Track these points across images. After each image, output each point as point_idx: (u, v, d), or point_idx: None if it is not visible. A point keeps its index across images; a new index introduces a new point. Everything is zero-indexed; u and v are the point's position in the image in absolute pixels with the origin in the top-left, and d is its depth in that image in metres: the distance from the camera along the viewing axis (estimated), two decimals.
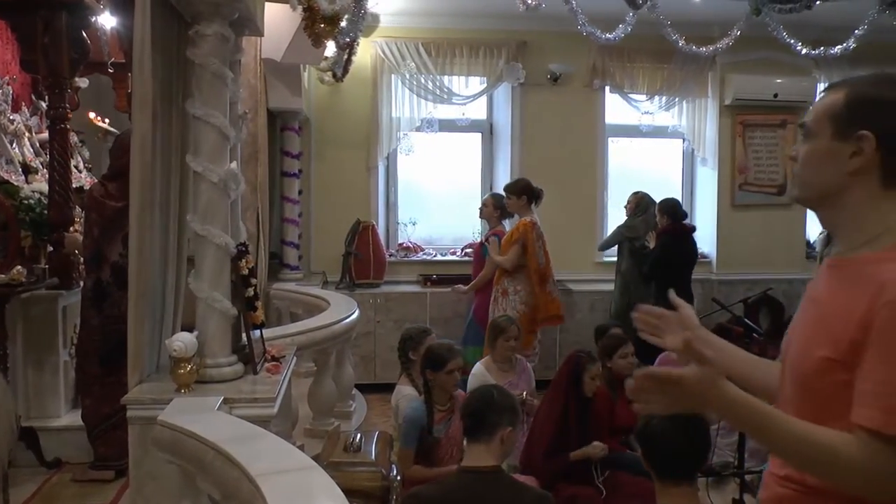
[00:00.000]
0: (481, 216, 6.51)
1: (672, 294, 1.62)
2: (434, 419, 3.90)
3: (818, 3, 5.93)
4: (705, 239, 7.70)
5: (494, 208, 6.20)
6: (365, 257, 6.90)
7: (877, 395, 1.30)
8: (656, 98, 7.50)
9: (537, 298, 5.81)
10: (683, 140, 7.77)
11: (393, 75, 7.14)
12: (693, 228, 6.63)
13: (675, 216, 6.34)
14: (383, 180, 7.42)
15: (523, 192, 5.89)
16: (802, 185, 1.53)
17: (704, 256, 7.60)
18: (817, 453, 1.32)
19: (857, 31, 6.47)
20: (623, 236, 6.54)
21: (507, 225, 6.26)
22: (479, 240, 6.85)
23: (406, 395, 4.17)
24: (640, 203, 6.59)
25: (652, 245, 6.42)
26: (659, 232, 6.36)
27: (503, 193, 6.11)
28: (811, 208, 1.57)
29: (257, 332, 3.28)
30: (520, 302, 5.75)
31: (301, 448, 2.90)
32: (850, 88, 1.47)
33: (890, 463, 1.28)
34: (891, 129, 1.42)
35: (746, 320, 5.10)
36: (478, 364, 4.71)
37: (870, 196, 1.44)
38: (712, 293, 7.17)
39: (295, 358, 3.69)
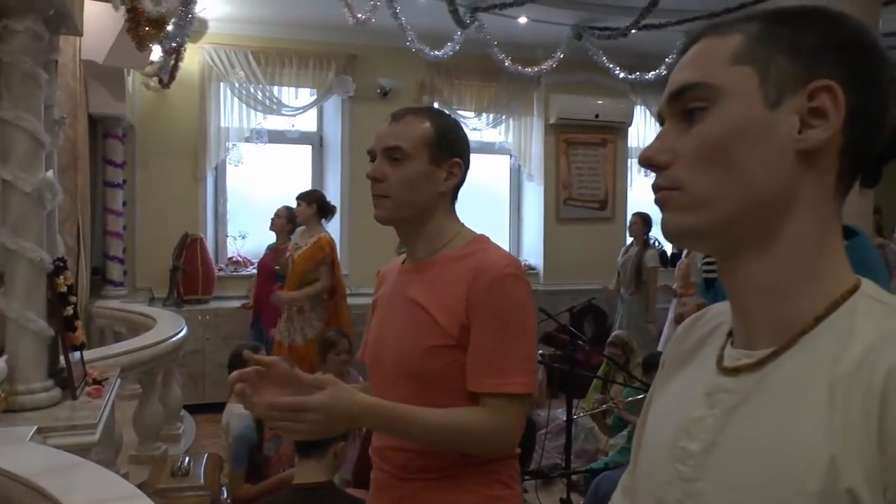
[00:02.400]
0: (272, 228, 6.26)
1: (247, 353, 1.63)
2: (265, 437, 3.81)
3: (633, 31, 6.36)
4: (532, 251, 8.02)
5: (287, 221, 6.04)
6: (193, 272, 6.61)
7: (488, 363, 1.55)
8: (484, 115, 7.72)
9: (338, 314, 5.62)
10: (511, 156, 8.04)
11: (222, 83, 6.93)
12: None
13: None
14: (212, 192, 7.16)
15: (314, 202, 5.59)
16: (396, 206, 1.67)
17: (532, 268, 7.91)
18: (459, 433, 1.55)
19: (667, 59, 6.98)
20: None
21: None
22: (266, 253, 6.50)
23: (237, 413, 4.04)
24: None
25: None
26: None
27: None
28: (400, 225, 1.72)
29: (77, 354, 3.06)
30: (316, 319, 5.51)
31: (125, 476, 2.74)
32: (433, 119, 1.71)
33: (516, 416, 1.57)
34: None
35: (572, 328, 5.33)
36: None
37: (446, 211, 1.72)
38: (539, 303, 7.44)
39: (119, 380, 3.47)
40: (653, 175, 0.83)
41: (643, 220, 6.80)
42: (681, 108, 0.81)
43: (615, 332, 6.10)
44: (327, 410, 1.40)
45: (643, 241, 6.80)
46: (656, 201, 0.83)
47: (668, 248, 7.72)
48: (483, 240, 1.71)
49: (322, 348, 4.68)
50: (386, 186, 1.65)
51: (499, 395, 1.54)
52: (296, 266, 5.47)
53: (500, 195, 8.23)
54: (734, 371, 0.80)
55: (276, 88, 7.06)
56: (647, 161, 0.83)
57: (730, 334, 0.85)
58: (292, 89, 7.19)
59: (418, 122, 1.68)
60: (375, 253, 5.88)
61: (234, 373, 1.49)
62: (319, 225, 5.61)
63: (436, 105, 7.48)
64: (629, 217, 7.17)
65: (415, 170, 1.65)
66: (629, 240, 7.13)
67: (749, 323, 0.81)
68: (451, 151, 1.68)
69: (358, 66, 7.26)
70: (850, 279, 0.78)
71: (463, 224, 1.75)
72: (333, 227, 7.21)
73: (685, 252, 6.18)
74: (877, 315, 0.74)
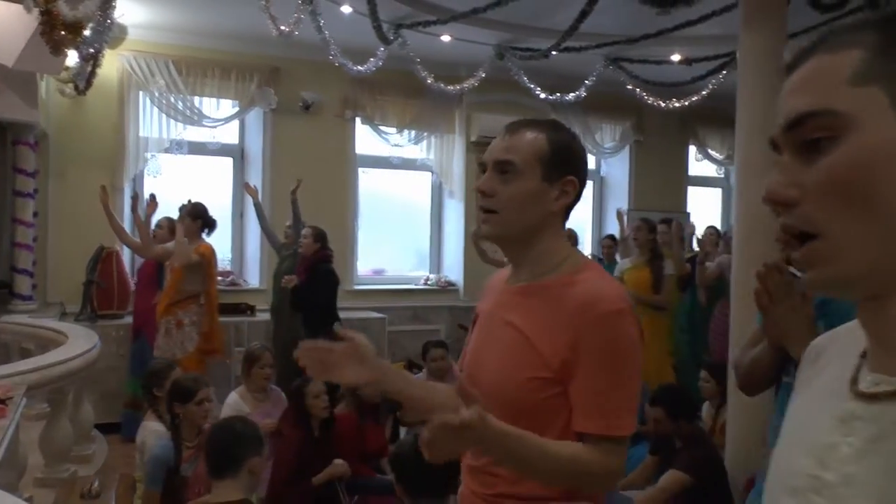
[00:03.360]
0: (154, 238, 6.08)
1: (338, 326, 1.68)
2: (182, 457, 3.74)
3: (554, 53, 6.51)
4: (452, 268, 8.10)
5: (169, 231, 5.97)
6: (108, 286, 6.42)
7: (599, 405, 1.50)
8: (406, 132, 7.76)
9: (210, 328, 5.63)
10: (432, 173, 8.11)
11: (141, 92, 6.78)
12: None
13: (325, 242, 6.10)
14: (129, 204, 6.98)
15: (198, 217, 5.65)
16: (505, 223, 1.60)
17: (452, 284, 7.99)
18: (573, 468, 1.49)
19: (587, 82, 7.18)
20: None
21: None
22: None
23: (153, 430, 3.97)
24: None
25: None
26: (317, 258, 6.01)
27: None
28: (506, 243, 1.66)
29: None
30: (196, 332, 5.49)
31: (29, 500, 2.66)
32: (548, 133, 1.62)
33: (620, 458, 1.52)
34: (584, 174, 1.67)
35: None
36: (232, 393, 4.64)
37: (556, 232, 1.63)
38: (459, 319, 7.54)
39: (25, 399, 3.37)
40: None
41: (650, 228, 6.17)
42: (802, 137, 0.72)
43: None
44: (475, 429, 1.30)
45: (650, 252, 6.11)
46: (796, 259, 0.74)
47: None
48: (593, 267, 1.64)
49: (246, 362, 4.66)
50: (495, 201, 1.59)
51: (607, 437, 1.49)
52: (173, 274, 5.57)
53: (421, 211, 8.29)
54: (872, 397, 0.72)
55: (197, 99, 6.96)
56: (772, 197, 0.74)
57: (863, 355, 0.77)
58: (213, 100, 7.10)
59: (532, 136, 1.60)
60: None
61: (306, 344, 1.56)
62: (200, 238, 5.69)
63: (358, 120, 7.52)
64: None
65: (525, 187, 1.57)
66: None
67: (892, 348, 0.72)
68: (566, 169, 1.59)
69: (281, 78, 7.22)
70: None
71: (574, 248, 1.68)
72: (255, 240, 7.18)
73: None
74: None
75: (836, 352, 0.83)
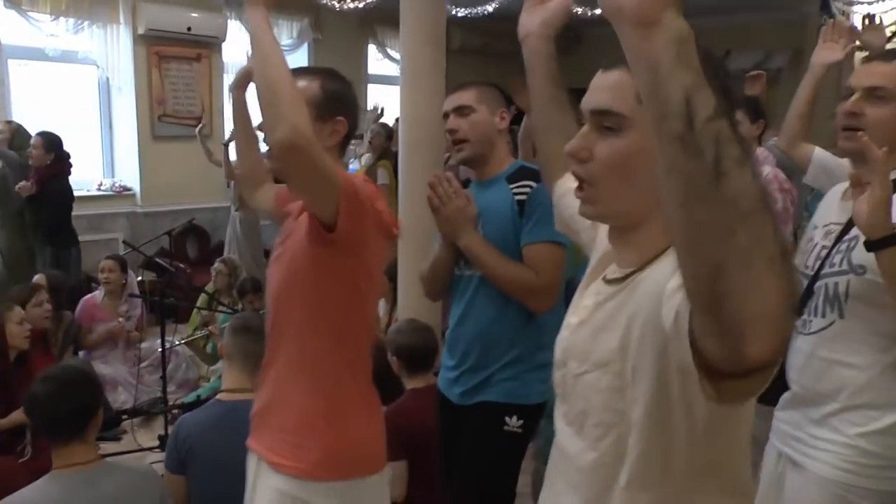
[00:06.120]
0: None
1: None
2: None
3: None
4: (127, 172, 7.56)
5: None
6: None
7: None
8: (62, 20, 6.89)
9: None
10: (98, 67, 7.38)
11: None
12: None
13: (62, 153, 5.76)
14: None
15: None
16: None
17: (128, 189, 7.48)
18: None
19: None
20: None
21: None
22: None
23: None
24: (15, 135, 5.95)
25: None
26: (50, 171, 5.66)
27: None
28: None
29: None
30: None
31: None
32: None
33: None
34: None
35: (158, 260, 5.22)
36: None
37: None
38: (138, 225, 7.14)
39: None
40: None
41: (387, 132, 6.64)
42: (600, 122, 1.13)
43: (226, 255, 6.08)
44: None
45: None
46: (577, 194, 1.19)
47: None
48: None
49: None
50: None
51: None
52: None
53: (87, 110, 7.54)
54: (610, 281, 1.19)
55: None
56: (572, 153, 1.15)
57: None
58: None
59: (305, 84, 1.91)
60: None
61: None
62: None
63: (1, 3, 6.57)
64: (227, 134, 7.02)
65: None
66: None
67: (622, 255, 1.19)
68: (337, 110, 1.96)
69: None
70: None
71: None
72: None
73: None
74: None
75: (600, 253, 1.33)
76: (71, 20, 6.94)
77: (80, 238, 6.00)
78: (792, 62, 8.74)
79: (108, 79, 7.40)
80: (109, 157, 7.71)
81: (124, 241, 5.49)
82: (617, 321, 1.10)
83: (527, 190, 2.30)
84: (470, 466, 2.40)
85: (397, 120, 4.65)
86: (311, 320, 1.87)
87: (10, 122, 6.07)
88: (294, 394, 1.90)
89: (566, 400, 1.25)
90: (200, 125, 6.88)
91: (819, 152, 2.60)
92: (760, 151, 3.66)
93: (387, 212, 1.89)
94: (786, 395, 2.01)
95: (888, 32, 2.92)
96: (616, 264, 1.20)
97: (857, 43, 2.73)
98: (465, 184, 2.49)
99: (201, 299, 5.46)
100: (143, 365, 4.87)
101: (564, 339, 1.27)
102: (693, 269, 0.79)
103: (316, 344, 1.87)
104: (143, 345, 5.05)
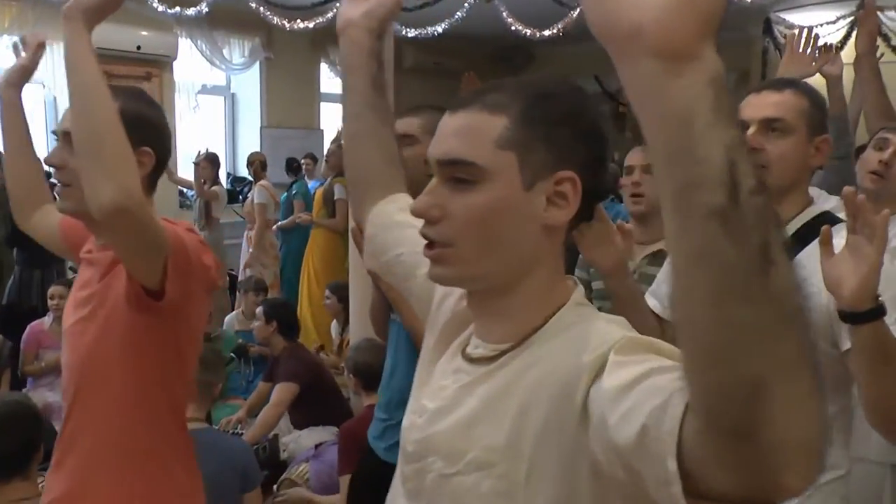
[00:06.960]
0: None
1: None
2: None
3: None
4: None
5: None
6: None
7: None
8: (5, 37, 6.77)
9: None
10: (44, 87, 7.23)
11: None
12: None
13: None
14: None
15: None
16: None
17: None
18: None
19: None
20: None
21: None
22: None
23: None
24: None
25: None
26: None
27: None
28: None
29: None
30: None
31: None
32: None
33: None
34: None
35: None
36: None
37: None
38: None
39: None
40: None
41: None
42: (451, 174, 0.93)
43: None
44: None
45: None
46: (426, 253, 0.96)
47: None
48: None
49: None
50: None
51: None
52: None
53: (33, 131, 7.32)
54: (473, 360, 0.99)
55: None
56: (419, 214, 0.95)
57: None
58: None
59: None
60: None
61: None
62: None
63: None
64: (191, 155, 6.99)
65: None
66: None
67: (486, 326, 0.99)
68: (142, 139, 1.62)
69: None
70: (564, 298, 0.97)
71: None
72: None
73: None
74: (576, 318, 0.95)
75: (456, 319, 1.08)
76: (14, 38, 6.80)
77: None
78: (738, 85, 8.90)
79: (55, 98, 7.27)
80: None
81: (70, 268, 5.35)
82: (498, 412, 0.90)
83: None
84: None
85: None
86: (126, 396, 1.61)
87: None
88: (103, 484, 1.62)
89: (420, 499, 0.99)
90: None
91: None
92: None
93: (214, 266, 1.65)
94: None
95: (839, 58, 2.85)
96: (478, 337, 0.99)
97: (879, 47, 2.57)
98: None
99: None
100: None
101: (419, 429, 1.00)
102: (721, 384, 0.60)
103: (131, 423, 1.61)
104: None
